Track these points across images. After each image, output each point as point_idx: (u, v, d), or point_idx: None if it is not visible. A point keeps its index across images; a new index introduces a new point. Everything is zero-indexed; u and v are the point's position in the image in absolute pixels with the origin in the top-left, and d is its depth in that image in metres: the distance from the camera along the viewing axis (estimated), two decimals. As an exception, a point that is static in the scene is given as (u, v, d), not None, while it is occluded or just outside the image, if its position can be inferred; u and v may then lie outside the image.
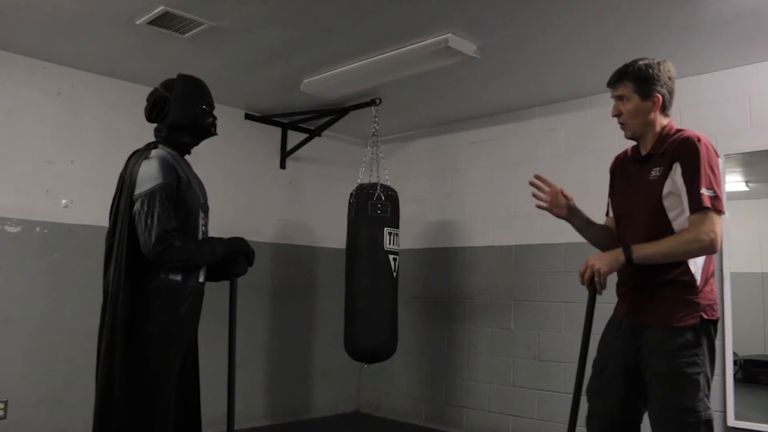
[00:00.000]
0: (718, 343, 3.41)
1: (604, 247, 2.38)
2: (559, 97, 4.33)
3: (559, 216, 2.41)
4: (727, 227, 3.48)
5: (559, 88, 4.16)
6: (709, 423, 2.01)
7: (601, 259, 2.08)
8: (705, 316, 2.05)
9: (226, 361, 2.59)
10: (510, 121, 4.68)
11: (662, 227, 2.10)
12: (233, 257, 2.54)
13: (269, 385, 4.84)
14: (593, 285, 2.10)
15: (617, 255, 2.07)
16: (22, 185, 3.73)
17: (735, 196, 3.59)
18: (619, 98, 2.22)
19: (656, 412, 2.07)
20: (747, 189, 3.66)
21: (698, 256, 2.05)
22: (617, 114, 2.24)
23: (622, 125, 2.24)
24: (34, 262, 3.75)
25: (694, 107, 3.74)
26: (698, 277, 2.07)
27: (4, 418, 3.55)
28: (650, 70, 2.16)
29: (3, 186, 3.67)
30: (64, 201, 3.88)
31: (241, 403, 4.64)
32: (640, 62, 2.19)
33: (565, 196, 2.39)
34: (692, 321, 2.02)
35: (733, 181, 3.59)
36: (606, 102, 4.14)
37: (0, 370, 3.57)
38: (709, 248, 2.01)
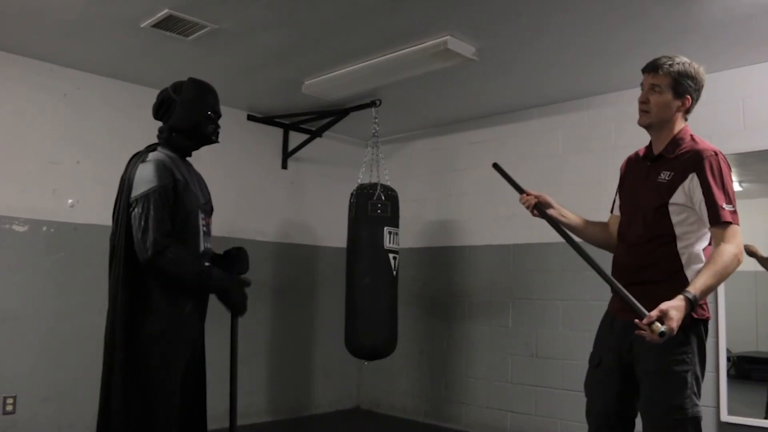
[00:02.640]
0: (711, 340, 3.52)
1: (600, 244, 2.43)
2: (556, 98, 4.38)
3: (531, 207, 2.42)
4: (721, 227, 3.55)
5: (556, 90, 4.21)
6: (696, 420, 2.04)
7: (679, 319, 1.91)
8: (695, 316, 2.06)
9: (228, 358, 2.62)
10: (508, 121, 4.73)
11: (664, 228, 2.13)
12: (224, 295, 2.52)
13: (271, 381, 4.90)
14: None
15: (683, 306, 1.93)
16: (29, 185, 3.79)
17: (729, 196, 3.63)
18: (652, 87, 2.18)
19: (645, 409, 2.11)
20: (741, 189, 3.71)
21: (735, 270, 2.04)
22: (644, 101, 2.19)
23: (644, 112, 2.20)
24: (40, 261, 3.81)
25: (689, 108, 3.79)
26: (691, 278, 2.08)
27: (12, 413, 3.61)
28: (692, 71, 2.15)
29: (10, 186, 3.73)
30: (70, 201, 3.94)
31: (243, 400, 4.65)
32: (684, 59, 2.17)
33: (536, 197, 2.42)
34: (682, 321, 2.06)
35: (727, 182, 3.64)
36: (602, 103, 4.25)
37: (8, 367, 3.63)
38: (741, 261, 2.03)
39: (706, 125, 3.69)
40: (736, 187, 3.71)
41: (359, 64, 3.79)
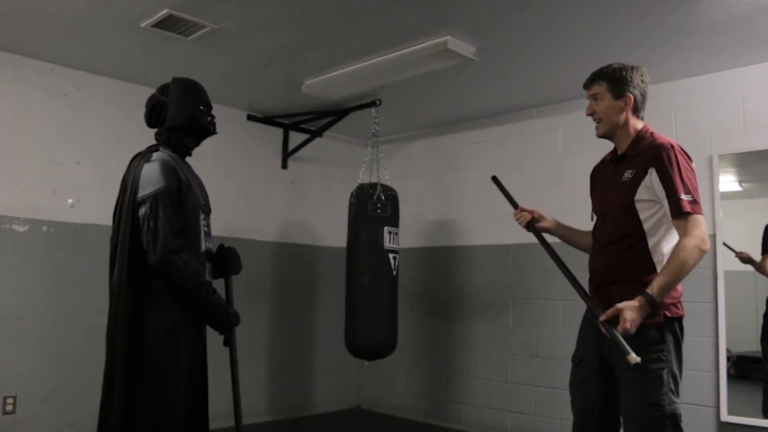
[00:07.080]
0: (711, 340, 3.53)
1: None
2: (556, 98, 4.38)
3: (525, 224, 2.51)
4: (721, 226, 3.56)
5: (556, 89, 4.21)
6: (674, 417, 2.06)
7: (634, 319, 1.99)
8: (668, 314, 2.10)
9: (228, 359, 2.62)
10: (508, 121, 4.74)
11: (633, 226, 2.17)
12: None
13: (271, 381, 4.90)
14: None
15: (638, 307, 2.01)
16: (29, 185, 3.79)
17: (729, 195, 3.64)
18: (593, 97, 2.31)
19: (625, 407, 2.14)
20: (740, 189, 3.72)
21: (700, 260, 2.07)
22: (591, 113, 2.33)
23: (597, 122, 2.33)
24: (41, 261, 3.81)
25: (689, 108, 3.80)
26: None
27: (13, 412, 3.61)
28: (623, 72, 2.25)
29: (10, 186, 3.73)
30: (70, 200, 3.94)
31: (244, 399, 4.62)
32: (614, 65, 2.28)
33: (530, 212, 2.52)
34: (656, 319, 2.07)
35: (727, 181, 3.64)
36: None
37: (9, 366, 3.63)
38: (705, 250, 2.07)
39: (705, 125, 3.70)
40: (736, 187, 3.72)
41: (359, 64, 3.79)
